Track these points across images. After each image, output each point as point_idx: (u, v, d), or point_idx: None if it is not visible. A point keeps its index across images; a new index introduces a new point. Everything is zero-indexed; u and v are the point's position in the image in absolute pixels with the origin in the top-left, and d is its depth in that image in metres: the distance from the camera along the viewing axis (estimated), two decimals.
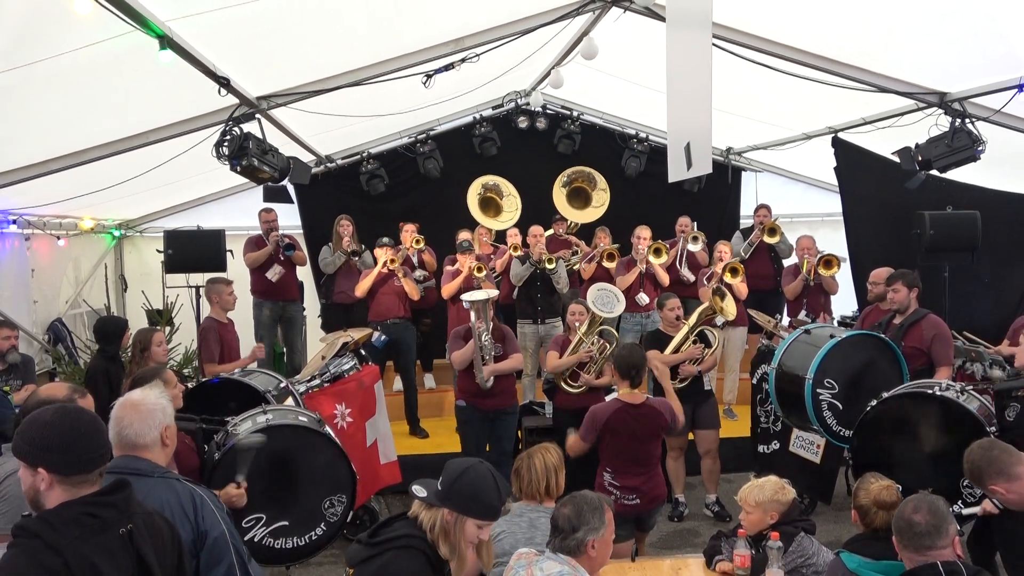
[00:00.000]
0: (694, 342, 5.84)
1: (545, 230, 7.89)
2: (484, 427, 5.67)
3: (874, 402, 4.29)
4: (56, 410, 2.09)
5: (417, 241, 7.59)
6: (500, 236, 8.42)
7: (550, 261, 7.24)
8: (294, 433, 3.90)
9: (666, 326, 5.95)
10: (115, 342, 5.46)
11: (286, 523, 3.78)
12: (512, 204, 8.53)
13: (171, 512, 2.42)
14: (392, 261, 7.13)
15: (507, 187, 8.54)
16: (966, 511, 3.81)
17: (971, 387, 4.39)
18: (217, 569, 2.46)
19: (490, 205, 8.54)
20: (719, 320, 6.40)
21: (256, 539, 3.74)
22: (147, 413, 2.53)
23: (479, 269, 6.98)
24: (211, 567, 2.46)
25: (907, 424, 4.18)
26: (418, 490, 2.45)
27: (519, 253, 7.38)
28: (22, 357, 5.63)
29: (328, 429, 4.00)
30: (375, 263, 7.31)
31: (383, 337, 7.04)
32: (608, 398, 4.78)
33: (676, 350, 5.80)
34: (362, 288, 7.16)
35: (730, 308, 6.30)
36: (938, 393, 4.12)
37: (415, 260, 7.85)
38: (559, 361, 5.72)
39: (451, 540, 2.40)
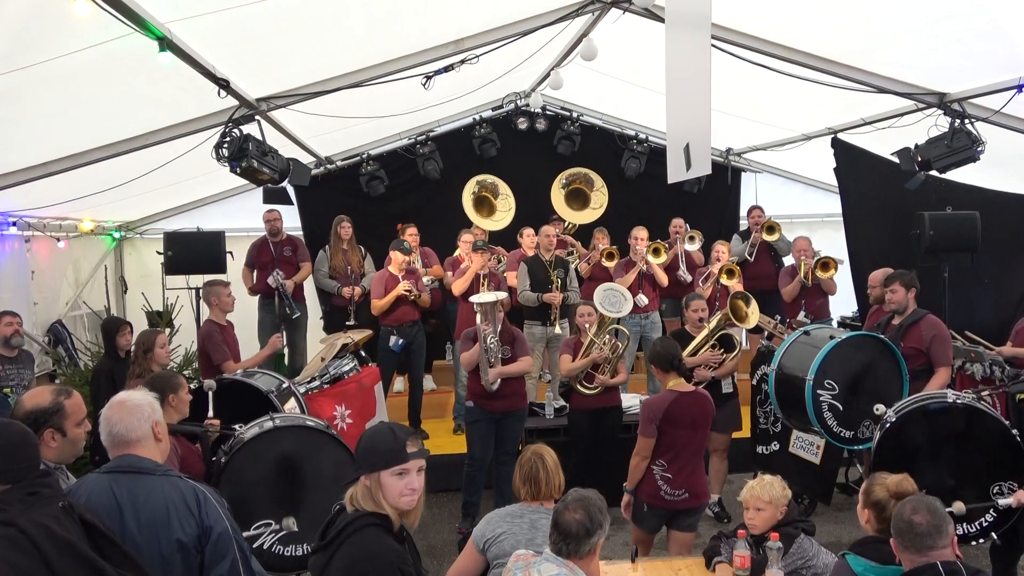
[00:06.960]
0: (713, 346, 5.82)
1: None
2: (491, 428, 5.64)
3: (888, 423, 4.12)
4: None
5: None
6: (491, 237, 8.32)
7: (561, 318, 7.12)
8: (300, 435, 3.85)
9: (690, 327, 5.94)
10: (110, 341, 5.53)
11: (295, 529, 3.72)
12: (506, 204, 8.44)
13: (175, 508, 2.44)
14: (409, 292, 7.02)
15: (503, 187, 8.48)
16: (1001, 501, 3.79)
17: (981, 391, 4.37)
18: (221, 564, 2.48)
19: (484, 204, 8.47)
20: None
21: (265, 546, 3.67)
22: (134, 408, 2.56)
23: (487, 278, 6.90)
24: (215, 563, 2.47)
25: (927, 441, 4.05)
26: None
27: (532, 254, 7.34)
28: (23, 350, 5.67)
29: (335, 434, 3.95)
30: (383, 265, 7.28)
31: (400, 341, 7.03)
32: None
33: (693, 353, 5.77)
34: (379, 308, 7.02)
35: (753, 317, 6.22)
36: (959, 403, 4.04)
37: (420, 264, 7.83)
38: (573, 364, 5.74)
39: (376, 500, 2.42)
